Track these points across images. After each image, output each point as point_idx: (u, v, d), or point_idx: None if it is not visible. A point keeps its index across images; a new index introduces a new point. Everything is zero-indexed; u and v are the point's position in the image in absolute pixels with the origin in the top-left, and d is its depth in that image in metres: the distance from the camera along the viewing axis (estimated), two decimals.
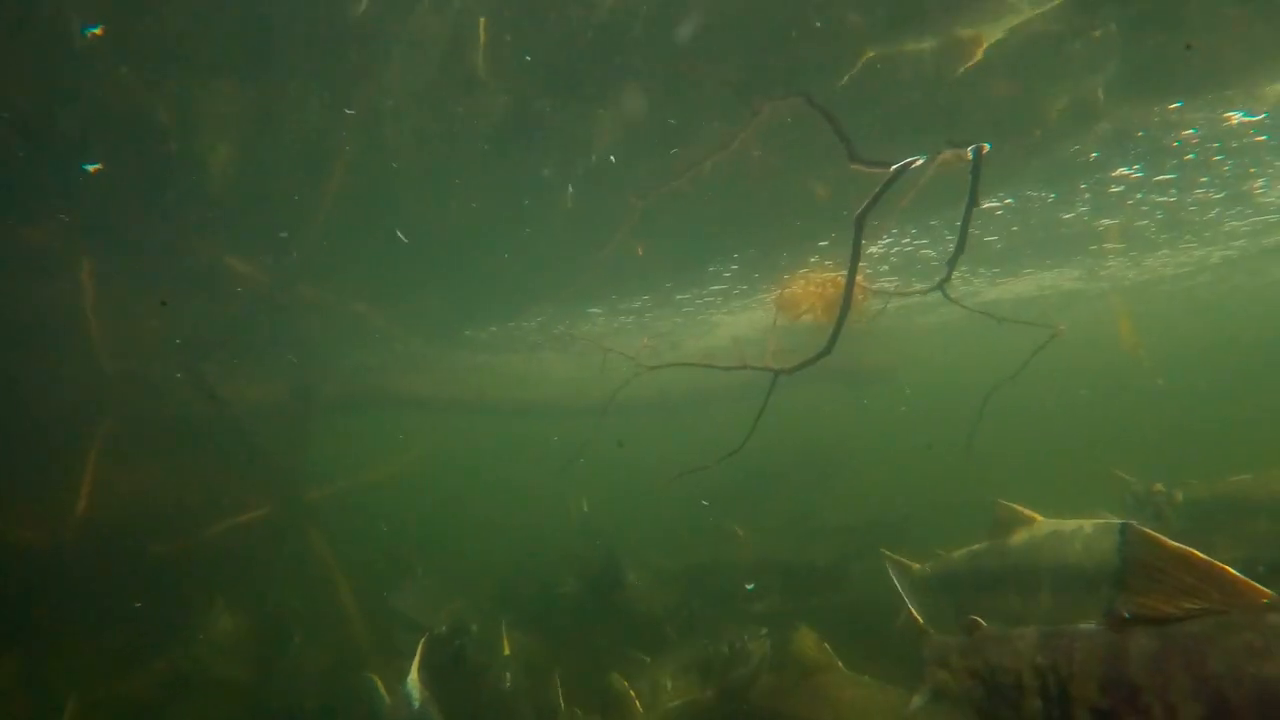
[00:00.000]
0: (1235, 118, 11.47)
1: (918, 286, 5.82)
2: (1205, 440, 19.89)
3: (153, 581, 9.81)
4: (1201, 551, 2.62)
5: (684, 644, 8.07)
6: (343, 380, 16.96)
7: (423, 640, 7.31)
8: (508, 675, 7.73)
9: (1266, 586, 2.49)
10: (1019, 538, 6.33)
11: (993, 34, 7.36)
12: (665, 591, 10.13)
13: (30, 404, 9.86)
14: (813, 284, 6.43)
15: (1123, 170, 13.57)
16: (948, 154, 5.16)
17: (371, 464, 15.82)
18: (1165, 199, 15.71)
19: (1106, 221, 16.87)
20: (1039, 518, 6.33)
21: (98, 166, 8.34)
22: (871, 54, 7.63)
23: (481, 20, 7.42)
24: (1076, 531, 5.94)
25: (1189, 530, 7.03)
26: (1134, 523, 2.84)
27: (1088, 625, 2.78)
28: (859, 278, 4.99)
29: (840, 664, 6.33)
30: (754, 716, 6.44)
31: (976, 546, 6.78)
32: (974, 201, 4.97)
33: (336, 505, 12.99)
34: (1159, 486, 7.67)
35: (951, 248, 17.43)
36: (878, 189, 4.74)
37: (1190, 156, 13.13)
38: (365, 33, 7.44)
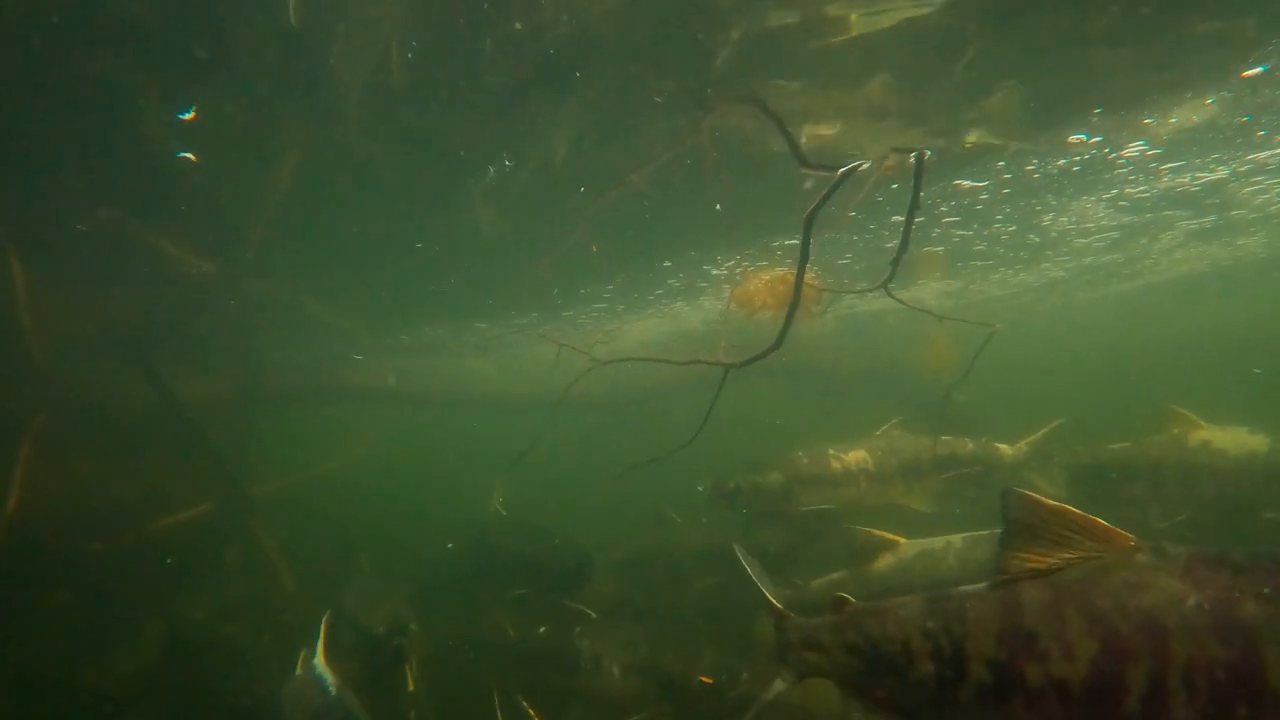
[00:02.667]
0: (965, 184, 12.91)
1: (862, 284, 6.08)
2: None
3: (92, 581, 9.56)
4: (1085, 511, 2.81)
5: (630, 628, 8.20)
6: (290, 373, 16.69)
7: (325, 619, 7.04)
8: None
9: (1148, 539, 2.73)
10: (884, 563, 6.10)
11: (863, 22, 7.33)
12: (611, 580, 10.17)
13: None
14: (765, 280, 6.67)
15: (898, 217, 13.93)
16: (892, 159, 5.46)
17: (317, 459, 15.60)
18: (966, 233, 16.49)
19: (929, 249, 17.65)
20: (901, 540, 6.15)
21: (189, 156, 8.15)
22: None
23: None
24: (947, 547, 5.88)
25: (1075, 492, 7.41)
26: (1014, 487, 2.94)
27: (969, 587, 2.90)
28: (810, 275, 5.23)
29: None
30: None
31: (834, 575, 6.51)
32: (915, 205, 5.26)
33: (283, 500, 12.79)
34: (739, 480, 8.10)
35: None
36: (825, 190, 5.01)
37: (944, 207, 14.05)
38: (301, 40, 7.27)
